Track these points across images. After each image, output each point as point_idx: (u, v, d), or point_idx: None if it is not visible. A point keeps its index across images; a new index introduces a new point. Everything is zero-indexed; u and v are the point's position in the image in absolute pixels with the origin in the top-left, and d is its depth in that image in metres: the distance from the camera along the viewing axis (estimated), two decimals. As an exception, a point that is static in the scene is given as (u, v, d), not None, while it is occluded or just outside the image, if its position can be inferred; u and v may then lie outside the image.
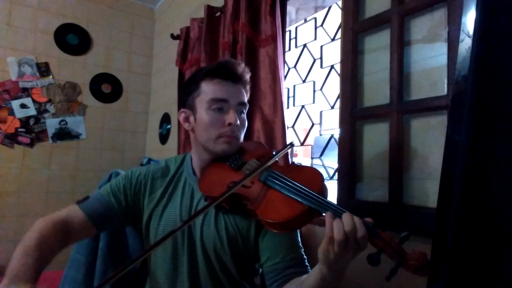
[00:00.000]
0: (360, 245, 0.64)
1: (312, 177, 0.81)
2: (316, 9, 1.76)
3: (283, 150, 0.96)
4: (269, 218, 0.74)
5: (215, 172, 0.92)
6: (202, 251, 0.90)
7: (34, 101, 2.61)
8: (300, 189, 0.75)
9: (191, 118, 0.95)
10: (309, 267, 0.88)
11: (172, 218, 0.93)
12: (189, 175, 0.98)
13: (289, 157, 1.63)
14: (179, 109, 2.19)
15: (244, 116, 0.95)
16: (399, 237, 0.66)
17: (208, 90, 0.91)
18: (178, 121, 2.16)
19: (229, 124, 0.89)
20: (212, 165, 0.94)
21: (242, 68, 0.94)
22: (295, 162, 0.96)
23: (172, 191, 0.96)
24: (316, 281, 0.71)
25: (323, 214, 0.72)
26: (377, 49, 1.21)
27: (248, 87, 0.97)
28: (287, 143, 1.36)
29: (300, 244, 0.91)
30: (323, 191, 0.77)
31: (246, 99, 0.95)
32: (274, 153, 0.94)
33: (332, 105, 1.60)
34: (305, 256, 0.89)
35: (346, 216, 0.65)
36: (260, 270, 0.99)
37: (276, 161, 0.91)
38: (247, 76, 0.96)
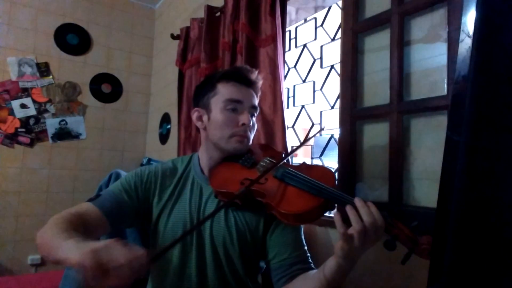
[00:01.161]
0: (377, 235, 0.69)
1: (325, 173, 0.87)
2: (316, 9, 1.76)
3: (302, 143, 1.00)
4: (287, 209, 0.78)
5: (226, 169, 0.96)
6: (211, 246, 0.91)
7: (34, 101, 2.61)
8: (316, 184, 0.80)
9: (205, 117, 0.99)
10: (312, 264, 0.91)
11: (181, 216, 0.94)
12: (197, 174, 1.01)
13: (290, 157, 1.63)
14: (179, 109, 2.21)
15: (255, 119, 1.01)
16: (410, 226, 0.71)
17: (224, 91, 0.96)
18: (178, 121, 2.16)
19: (243, 124, 0.94)
20: (223, 164, 0.98)
21: (255, 74, 1.01)
22: (305, 162, 0.99)
23: (180, 190, 0.98)
24: (333, 273, 0.74)
25: (336, 207, 0.78)
26: (377, 49, 1.21)
27: (259, 93, 1.03)
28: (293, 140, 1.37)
29: (304, 242, 0.95)
30: (336, 186, 0.82)
31: (257, 103, 1.01)
32: (283, 155, 0.98)
33: (332, 105, 1.60)
34: (308, 254, 0.93)
35: (364, 208, 0.70)
36: (263, 267, 1.02)
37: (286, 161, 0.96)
38: (260, 82, 1.02)
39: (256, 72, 1.01)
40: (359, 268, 0.81)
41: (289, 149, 1.43)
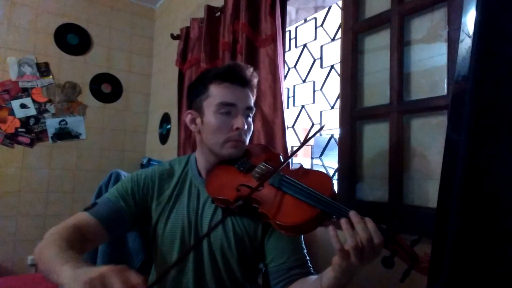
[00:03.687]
0: (376, 251, 0.65)
1: (323, 181, 0.82)
2: (316, 9, 1.76)
3: (297, 149, 0.96)
4: (282, 221, 0.75)
5: (222, 174, 0.92)
6: (209, 251, 0.90)
7: (34, 101, 2.61)
8: (312, 193, 0.76)
9: (198, 120, 0.94)
10: (311, 268, 0.89)
11: (179, 219, 0.92)
12: (195, 177, 0.98)
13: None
14: (179, 109, 2.21)
15: (251, 120, 0.96)
16: (409, 240, 0.67)
17: (216, 93, 0.90)
18: (178, 121, 2.16)
19: (237, 128, 0.89)
20: (219, 168, 0.94)
21: (250, 72, 0.94)
22: (303, 166, 0.96)
23: (178, 193, 0.96)
24: (330, 286, 0.72)
25: (334, 217, 0.73)
26: (377, 49, 1.21)
27: (255, 91, 0.97)
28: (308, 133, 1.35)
29: (304, 246, 0.92)
30: (334, 195, 0.78)
31: (253, 103, 0.95)
32: (281, 157, 0.95)
33: (332, 105, 1.60)
34: (308, 257, 0.91)
35: (360, 224, 0.66)
36: (263, 269, 1.00)
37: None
38: (255, 80, 0.95)
39: (251, 68, 0.94)
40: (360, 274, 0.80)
41: (289, 149, 1.43)
